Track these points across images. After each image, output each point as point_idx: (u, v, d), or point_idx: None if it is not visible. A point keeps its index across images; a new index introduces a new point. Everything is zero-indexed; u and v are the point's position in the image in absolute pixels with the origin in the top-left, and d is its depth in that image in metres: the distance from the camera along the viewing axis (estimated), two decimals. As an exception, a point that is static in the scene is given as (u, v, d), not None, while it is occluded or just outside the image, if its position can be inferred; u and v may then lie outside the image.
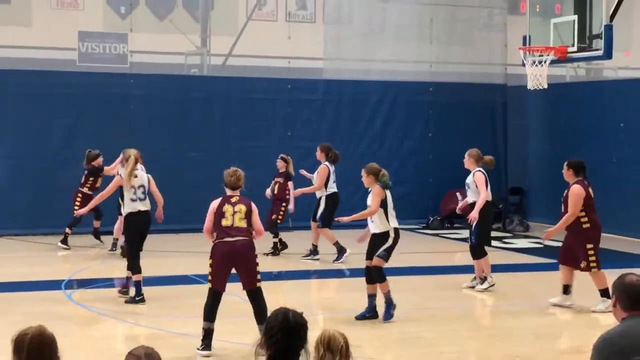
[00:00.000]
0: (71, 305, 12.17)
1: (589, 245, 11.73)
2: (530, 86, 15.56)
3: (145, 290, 12.35)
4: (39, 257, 16.16)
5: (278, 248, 16.42)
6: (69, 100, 18.99)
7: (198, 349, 9.55)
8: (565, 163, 12.14)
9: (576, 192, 11.75)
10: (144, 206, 12.29)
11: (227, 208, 9.80)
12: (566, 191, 11.90)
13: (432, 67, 22.13)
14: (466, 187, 13.26)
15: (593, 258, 11.71)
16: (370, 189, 11.24)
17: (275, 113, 20.46)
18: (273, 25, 21.81)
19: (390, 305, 11.13)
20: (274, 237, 16.39)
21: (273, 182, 16.73)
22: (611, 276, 5.93)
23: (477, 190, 12.89)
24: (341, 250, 15.61)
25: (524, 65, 15.66)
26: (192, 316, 11.22)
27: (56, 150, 18.83)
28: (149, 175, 12.62)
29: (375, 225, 11.14)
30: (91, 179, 16.53)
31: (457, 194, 20.64)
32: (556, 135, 20.64)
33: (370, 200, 11.12)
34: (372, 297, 11.19)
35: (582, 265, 11.77)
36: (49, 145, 18.76)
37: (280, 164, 16.82)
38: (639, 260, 15.57)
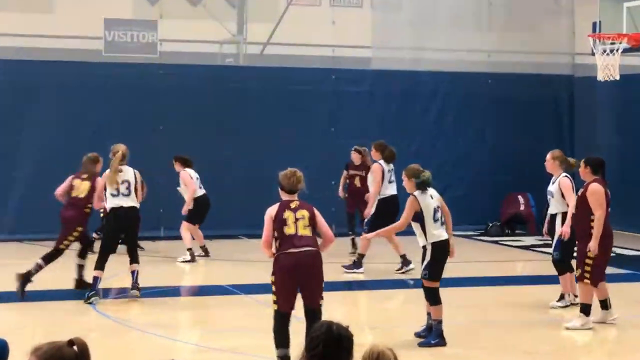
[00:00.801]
0: (94, 315, 12.21)
1: (591, 254, 11.23)
2: (600, 77, 15.41)
3: (173, 300, 12.38)
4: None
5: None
6: (95, 93, 19.16)
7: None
8: (583, 160, 11.84)
9: (597, 190, 11.38)
10: (128, 202, 12.70)
11: (288, 215, 9.18)
12: (582, 189, 11.55)
13: (490, 56, 22.01)
14: (549, 196, 12.79)
15: (588, 269, 11.27)
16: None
17: (318, 107, 20.44)
18: (316, 10, 21.79)
19: (434, 334, 10.54)
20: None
21: (344, 177, 17.29)
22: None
23: (562, 199, 12.45)
24: (357, 263, 15.43)
25: (593, 54, 15.51)
26: (228, 330, 11.24)
27: (84, 145, 18.87)
28: (136, 171, 13.12)
29: (418, 237, 10.64)
30: None
31: (519, 197, 20.52)
32: (628, 130, 20.51)
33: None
34: (429, 314, 10.77)
35: (577, 273, 11.47)
36: (75, 140, 18.82)
37: (355, 156, 17.08)
38: None
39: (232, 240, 18.68)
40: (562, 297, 12.64)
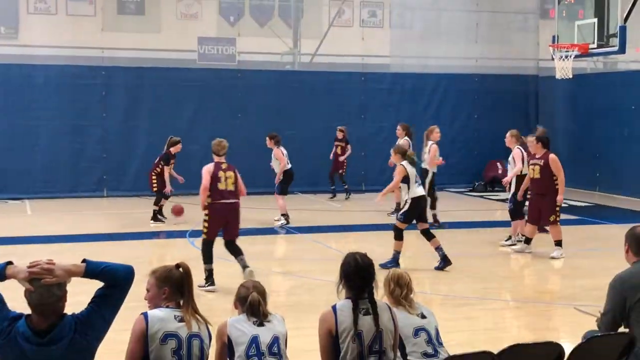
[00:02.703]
0: (193, 249, 12.37)
1: (557, 202, 11.47)
2: (558, 76, 15.26)
3: (249, 238, 12.45)
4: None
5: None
6: (191, 91, 19.32)
7: (202, 286, 9.19)
8: (534, 138, 11.90)
9: (556, 158, 11.59)
10: None
11: (221, 174, 9.38)
12: (542, 160, 11.56)
13: (477, 62, 21.84)
14: (507, 164, 12.92)
15: (558, 214, 11.50)
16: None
17: (352, 100, 20.41)
18: (350, 30, 21.71)
19: (392, 260, 10.48)
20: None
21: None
22: (623, 229, 5.80)
23: (514, 164, 12.56)
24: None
25: (553, 59, 15.36)
26: (288, 257, 11.26)
27: (183, 130, 19.06)
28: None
29: (403, 193, 10.80)
30: (161, 163, 14.73)
31: (498, 163, 20.43)
32: (579, 116, 20.34)
33: (395, 175, 10.82)
34: (397, 252, 10.70)
35: (552, 218, 11.48)
36: (177, 126, 19.00)
37: (339, 133, 18.03)
38: (646, 217, 15.23)
39: (296, 195, 18.79)
40: (509, 238, 12.59)
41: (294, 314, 7.74)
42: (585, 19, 15.01)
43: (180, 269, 4.62)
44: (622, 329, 5.34)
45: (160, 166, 14.72)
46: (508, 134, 12.79)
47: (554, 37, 15.48)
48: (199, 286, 9.05)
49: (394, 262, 10.46)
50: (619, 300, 5.29)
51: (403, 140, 15.15)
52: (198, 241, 12.87)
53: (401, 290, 5.06)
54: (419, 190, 10.74)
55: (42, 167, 18.40)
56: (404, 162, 10.76)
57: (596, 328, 5.59)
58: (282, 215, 14.63)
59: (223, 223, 9.48)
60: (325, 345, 4.69)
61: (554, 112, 21.41)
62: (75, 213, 16.35)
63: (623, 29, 14.05)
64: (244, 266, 9.54)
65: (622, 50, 14.30)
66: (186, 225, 14.23)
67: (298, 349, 5.44)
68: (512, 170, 12.49)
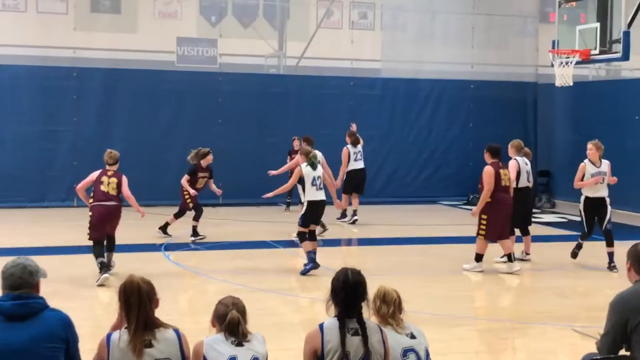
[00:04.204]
0: (169, 264, 12.34)
1: (484, 216, 11.53)
2: (557, 84, 15.34)
3: (230, 252, 12.45)
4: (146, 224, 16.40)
5: None
6: (169, 95, 19.29)
7: (101, 273, 10.34)
8: (486, 146, 11.97)
9: (488, 171, 11.58)
10: None
11: (104, 179, 10.88)
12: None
13: (473, 67, 21.96)
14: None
15: (483, 227, 11.54)
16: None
17: (341, 105, 20.43)
18: (339, 32, 21.79)
19: (309, 263, 11.25)
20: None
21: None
22: (625, 247, 5.84)
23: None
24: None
25: (552, 66, 15.44)
26: (271, 273, 11.31)
27: (159, 136, 19.10)
28: None
29: (301, 195, 11.73)
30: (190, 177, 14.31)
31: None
32: (579, 125, 20.36)
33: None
34: (308, 252, 11.38)
35: (478, 231, 11.61)
36: (154, 131, 19.02)
37: (295, 143, 17.59)
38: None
39: (274, 207, 18.78)
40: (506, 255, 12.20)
41: (278, 334, 7.72)
42: (587, 24, 15.11)
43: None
44: (622, 352, 5.36)
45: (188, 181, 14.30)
46: (510, 144, 12.79)
47: (553, 42, 15.57)
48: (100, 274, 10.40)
49: (312, 262, 11.20)
50: (620, 321, 5.31)
51: (344, 149, 16.57)
52: (174, 255, 12.90)
53: (388, 308, 5.05)
54: (318, 194, 11.33)
55: (7, 174, 18.29)
56: (303, 164, 11.37)
57: (595, 350, 5.61)
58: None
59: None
60: (309, 366, 4.69)
61: (554, 122, 21.54)
62: (44, 223, 16.27)
63: (627, 35, 14.15)
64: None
65: (625, 57, 14.39)
66: (163, 239, 14.22)
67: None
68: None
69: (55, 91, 18.66)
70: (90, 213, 10.90)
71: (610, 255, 11.94)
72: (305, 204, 11.41)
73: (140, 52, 19.86)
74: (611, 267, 11.88)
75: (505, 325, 9.34)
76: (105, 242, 10.99)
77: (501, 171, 11.67)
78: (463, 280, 11.49)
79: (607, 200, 12.07)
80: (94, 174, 11.12)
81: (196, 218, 14.31)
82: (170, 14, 20.84)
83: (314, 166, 11.34)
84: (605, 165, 12.12)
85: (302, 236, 11.43)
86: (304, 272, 11.22)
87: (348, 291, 4.77)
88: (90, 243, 10.89)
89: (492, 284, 11.44)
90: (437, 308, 9.68)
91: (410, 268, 12.19)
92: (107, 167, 11.13)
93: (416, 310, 9.32)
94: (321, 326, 4.77)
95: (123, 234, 12.45)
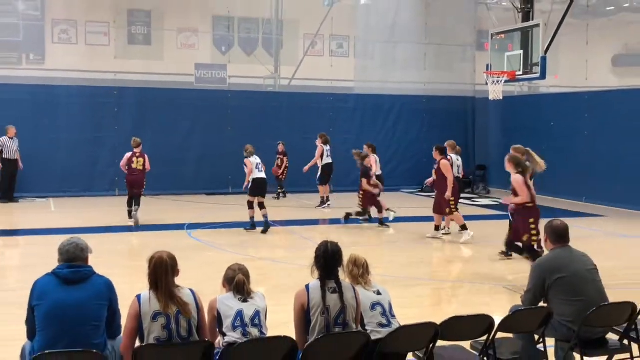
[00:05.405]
0: (190, 239, 12.30)
1: (451, 197, 11.71)
2: (491, 98, 15.39)
3: (237, 230, 12.42)
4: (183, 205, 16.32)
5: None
6: (188, 109, 19.19)
7: (134, 213, 12.93)
8: (435, 146, 12.10)
9: (445, 163, 11.78)
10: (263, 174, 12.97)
11: (134, 159, 13.02)
12: (436, 166, 11.87)
13: (425, 85, 21.95)
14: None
15: (453, 205, 11.75)
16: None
17: (322, 116, 20.36)
18: (321, 58, 21.77)
19: (249, 224, 12.79)
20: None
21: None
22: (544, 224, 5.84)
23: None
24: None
25: (487, 84, 15.48)
26: (269, 246, 11.25)
27: (180, 141, 19.01)
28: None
29: (248, 176, 12.68)
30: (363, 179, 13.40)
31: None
32: (508, 130, 20.46)
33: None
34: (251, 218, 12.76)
35: (447, 210, 11.78)
36: (176, 138, 18.92)
37: (280, 147, 17.81)
38: (566, 213, 15.37)
39: (270, 195, 18.71)
40: (437, 228, 12.41)
41: (274, 294, 7.70)
42: (514, 51, 15.15)
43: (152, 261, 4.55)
44: (541, 304, 5.38)
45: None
46: (446, 144, 12.75)
47: (487, 65, 15.61)
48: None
49: (250, 223, 12.72)
50: (539, 281, 5.33)
51: (319, 147, 16.51)
52: (196, 232, 12.85)
53: (358, 270, 5.06)
54: (259, 174, 12.69)
55: (63, 171, 18.17)
56: (247, 156, 12.70)
57: (521, 303, 5.63)
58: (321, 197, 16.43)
59: None
60: (299, 318, 4.69)
61: (488, 127, 21.61)
62: (91, 209, 16.19)
63: (544, 60, 14.23)
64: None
65: (543, 76, 14.48)
66: (185, 219, 14.17)
67: (276, 321, 5.42)
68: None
69: (100, 106, 18.54)
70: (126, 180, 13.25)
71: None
72: (252, 181, 12.63)
73: (166, 74, 19.77)
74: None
75: (454, 285, 9.36)
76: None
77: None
78: (423, 249, 11.49)
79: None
80: (129, 155, 13.20)
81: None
82: (190, 45, 20.76)
83: (250, 156, 12.75)
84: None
85: (250, 204, 12.79)
86: (246, 227, 12.78)
87: (328, 258, 4.74)
88: None
89: (441, 251, 11.45)
90: (400, 272, 9.68)
91: (379, 241, 12.19)
92: (135, 150, 13.09)
93: (383, 273, 9.37)
94: (307, 286, 4.75)
95: (155, 216, 12.42)
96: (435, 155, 11.97)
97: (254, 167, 12.77)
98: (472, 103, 22.10)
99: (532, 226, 8.61)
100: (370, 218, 13.80)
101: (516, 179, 8.87)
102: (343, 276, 4.86)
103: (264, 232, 12.59)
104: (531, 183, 9.00)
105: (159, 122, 18.88)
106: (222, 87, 20.00)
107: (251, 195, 13.04)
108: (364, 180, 13.22)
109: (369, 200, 13.32)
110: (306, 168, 16.59)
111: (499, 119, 21.16)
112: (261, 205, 12.78)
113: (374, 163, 14.28)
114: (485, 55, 16.45)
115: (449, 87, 21.92)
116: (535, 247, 8.57)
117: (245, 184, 13.23)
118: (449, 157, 12.49)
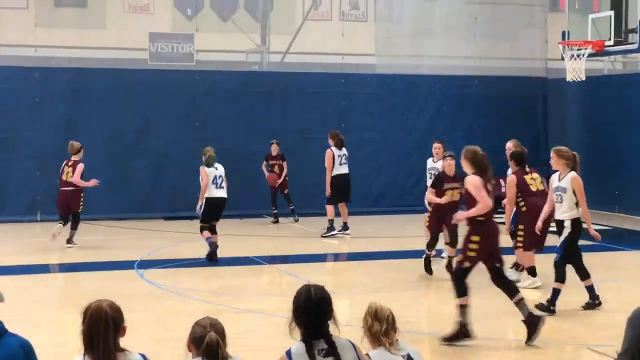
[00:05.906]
0: (143, 282, 12.32)
1: (520, 226, 11.60)
2: (569, 78, 15.49)
3: (211, 269, 12.45)
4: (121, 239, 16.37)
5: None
6: (142, 96, 19.25)
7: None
8: (509, 153, 12.29)
9: (511, 180, 11.67)
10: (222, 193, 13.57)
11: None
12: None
13: (476, 62, 22.01)
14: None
15: (521, 239, 11.60)
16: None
17: (329, 106, 20.43)
18: (327, 24, 21.87)
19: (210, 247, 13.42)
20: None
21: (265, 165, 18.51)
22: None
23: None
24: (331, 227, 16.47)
25: (563, 59, 15.55)
26: (255, 295, 11.28)
27: (127, 148, 19.03)
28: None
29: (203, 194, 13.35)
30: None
31: (501, 180, 20.49)
32: (594, 124, 20.45)
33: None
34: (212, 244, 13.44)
35: (514, 244, 11.71)
36: (120, 142, 18.97)
37: (274, 148, 18.39)
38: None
39: (258, 219, 18.75)
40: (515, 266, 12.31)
41: (260, 359, 7.72)
42: (601, 12, 15.24)
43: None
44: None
45: None
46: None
47: (564, 33, 15.71)
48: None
49: (210, 250, 13.39)
50: (638, 337, 5.34)
51: (328, 151, 16.30)
52: (150, 273, 12.87)
53: (380, 326, 5.06)
54: (217, 192, 13.26)
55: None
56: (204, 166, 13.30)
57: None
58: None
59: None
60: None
61: (565, 120, 21.60)
62: (1, 240, 16.24)
63: (644, 24, 14.27)
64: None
65: (643, 48, 14.52)
66: (135, 254, 14.22)
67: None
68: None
69: (14, 94, 18.61)
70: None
71: None
72: (205, 201, 13.33)
73: (109, 49, 19.89)
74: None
75: (519, 344, 9.36)
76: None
77: (527, 177, 11.65)
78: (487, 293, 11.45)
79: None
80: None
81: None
82: (142, 7, 20.90)
83: (209, 165, 13.27)
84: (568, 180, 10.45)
85: (202, 230, 13.56)
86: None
87: (311, 310, 4.72)
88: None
89: (497, 298, 11.43)
90: (440, 327, 9.66)
91: (406, 284, 12.17)
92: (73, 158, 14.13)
93: (415, 330, 9.37)
94: (288, 353, 4.70)
95: (93, 251, 12.45)
96: (511, 166, 11.90)
97: (210, 181, 13.14)
98: (543, 86, 22.16)
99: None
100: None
101: (472, 180, 9.02)
102: (336, 332, 4.83)
103: (210, 258, 13.48)
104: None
105: (100, 117, 18.94)
106: (187, 66, 20.10)
107: (203, 221, 13.49)
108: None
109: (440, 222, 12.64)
110: (328, 188, 16.08)
111: (580, 107, 21.18)
112: (212, 229, 13.59)
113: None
114: (562, 18, 16.53)
115: (510, 64, 21.98)
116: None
117: (199, 203, 13.50)
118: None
